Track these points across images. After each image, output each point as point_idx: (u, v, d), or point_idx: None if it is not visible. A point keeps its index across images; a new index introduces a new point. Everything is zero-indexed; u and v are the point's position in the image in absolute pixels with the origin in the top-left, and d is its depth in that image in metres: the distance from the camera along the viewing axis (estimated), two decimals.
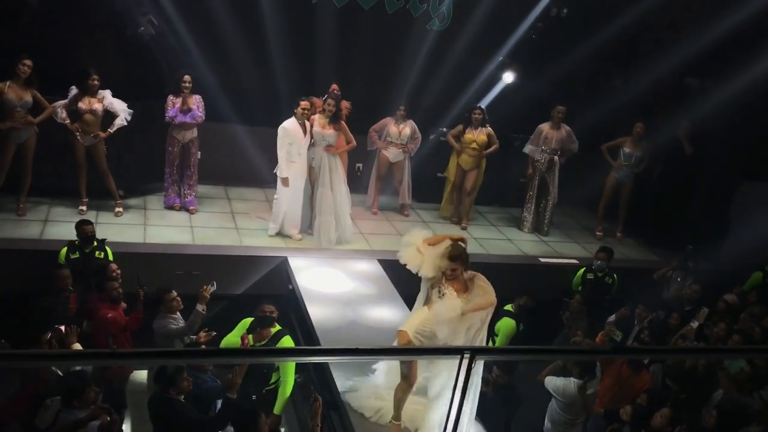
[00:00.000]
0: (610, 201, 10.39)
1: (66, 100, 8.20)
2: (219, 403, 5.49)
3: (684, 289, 8.37)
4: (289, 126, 8.33)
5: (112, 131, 8.36)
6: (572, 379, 6.50)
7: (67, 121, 8.20)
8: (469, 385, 2.94)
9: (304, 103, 8.33)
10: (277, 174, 8.48)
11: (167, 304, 6.41)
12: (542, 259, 9.42)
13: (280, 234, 8.79)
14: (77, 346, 5.75)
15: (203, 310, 6.42)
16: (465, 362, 2.86)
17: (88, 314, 6.69)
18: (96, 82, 8.21)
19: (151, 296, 6.61)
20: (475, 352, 2.87)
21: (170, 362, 5.19)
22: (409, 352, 4.89)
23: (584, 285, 8.37)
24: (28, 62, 7.77)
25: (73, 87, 8.23)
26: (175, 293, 6.40)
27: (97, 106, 8.28)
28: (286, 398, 6.16)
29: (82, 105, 8.21)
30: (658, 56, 10.10)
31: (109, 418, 4.68)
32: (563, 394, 6.52)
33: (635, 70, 10.45)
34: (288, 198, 8.60)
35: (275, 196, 8.72)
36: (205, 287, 6.46)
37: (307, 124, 8.45)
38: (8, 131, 7.87)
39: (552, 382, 6.59)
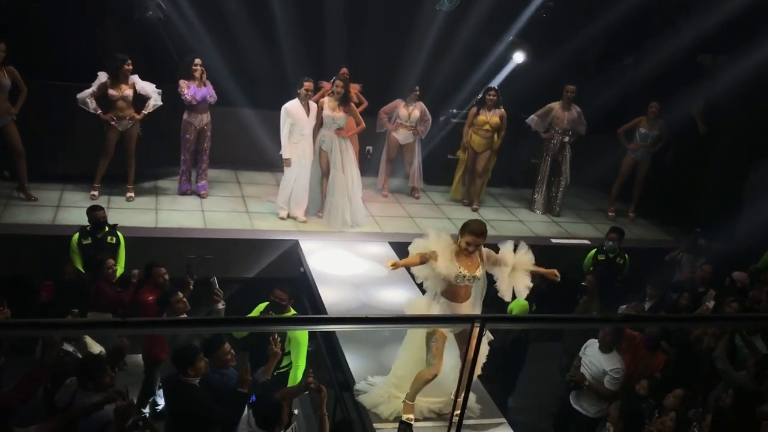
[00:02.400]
0: (626, 181, 10.31)
1: (92, 89, 8.12)
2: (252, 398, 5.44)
3: (696, 270, 8.32)
4: (291, 107, 8.33)
5: (147, 112, 8.35)
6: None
7: (99, 111, 8.17)
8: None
9: (307, 84, 8.31)
10: (281, 155, 8.50)
11: (173, 306, 6.18)
12: (554, 240, 9.38)
13: (290, 216, 8.79)
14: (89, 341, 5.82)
15: (223, 306, 6.46)
16: (476, 330, 2.85)
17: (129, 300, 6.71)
18: (130, 67, 8.17)
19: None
20: (485, 320, 2.85)
21: (181, 331, 5.34)
22: (420, 321, 4.86)
23: (595, 266, 8.34)
24: (2, 47, 7.66)
25: (101, 73, 8.17)
26: (180, 295, 6.23)
27: (129, 92, 8.25)
28: (297, 382, 6.16)
29: (114, 92, 8.18)
30: (670, 33, 9.99)
31: (124, 402, 4.71)
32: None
33: (647, 48, 10.33)
34: (293, 179, 8.61)
35: (282, 179, 8.73)
36: (216, 293, 6.48)
37: (311, 104, 8.44)
38: None
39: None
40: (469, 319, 2.88)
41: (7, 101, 7.90)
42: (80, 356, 5.55)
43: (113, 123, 8.23)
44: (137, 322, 4.18)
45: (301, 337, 6.14)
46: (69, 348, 5.65)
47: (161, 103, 8.38)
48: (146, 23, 8.91)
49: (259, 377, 5.57)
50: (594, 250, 8.51)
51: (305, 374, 5.14)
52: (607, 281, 8.09)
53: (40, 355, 5.31)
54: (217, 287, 6.58)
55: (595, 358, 6.50)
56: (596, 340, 6.52)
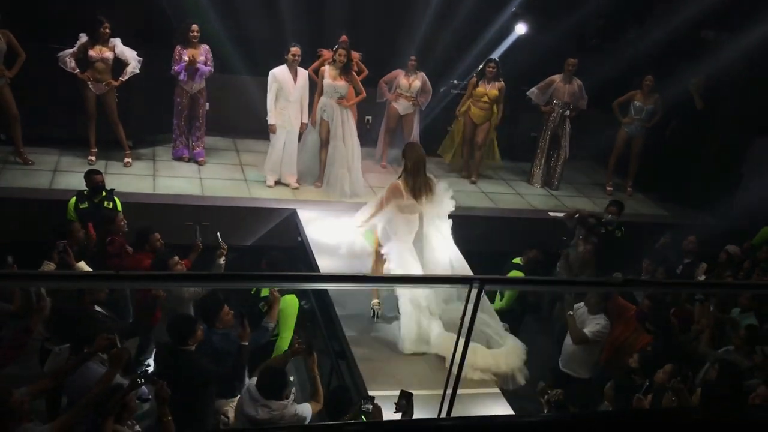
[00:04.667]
0: (621, 155, 10.31)
1: (74, 49, 8.14)
2: None
3: (683, 243, 8.34)
4: (278, 72, 8.30)
5: (124, 79, 8.32)
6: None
7: (77, 70, 8.15)
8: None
9: (294, 49, 8.28)
10: (267, 121, 8.48)
11: (172, 269, 6.20)
12: (551, 213, 9.38)
13: (279, 183, 8.78)
14: (83, 266, 5.80)
15: (223, 262, 6.50)
16: (474, 290, 2.87)
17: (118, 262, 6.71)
18: (108, 30, 8.13)
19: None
20: (483, 282, 2.86)
21: (172, 286, 5.52)
22: (419, 281, 4.97)
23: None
24: None
25: (82, 35, 8.15)
26: (177, 258, 6.29)
27: (108, 55, 8.21)
28: (282, 352, 6.17)
29: (93, 53, 8.15)
30: (673, 8, 9.87)
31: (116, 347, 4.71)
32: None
33: (650, 22, 10.24)
34: (281, 146, 8.59)
35: (269, 146, 8.71)
36: (222, 246, 6.53)
37: (299, 70, 8.40)
38: None
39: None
40: (467, 280, 2.88)
41: (1, 65, 7.84)
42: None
43: (89, 84, 8.19)
44: (130, 275, 4.19)
45: (289, 308, 6.16)
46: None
47: (138, 71, 8.32)
48: None
49: (267, 324, 5.72)
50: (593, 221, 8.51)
51: (292, 341, 5.22)
52: (606, 253, 8.09)
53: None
54: (222, 241, 6.60)
55: (582, 319, 6.60)
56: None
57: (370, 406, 4.73)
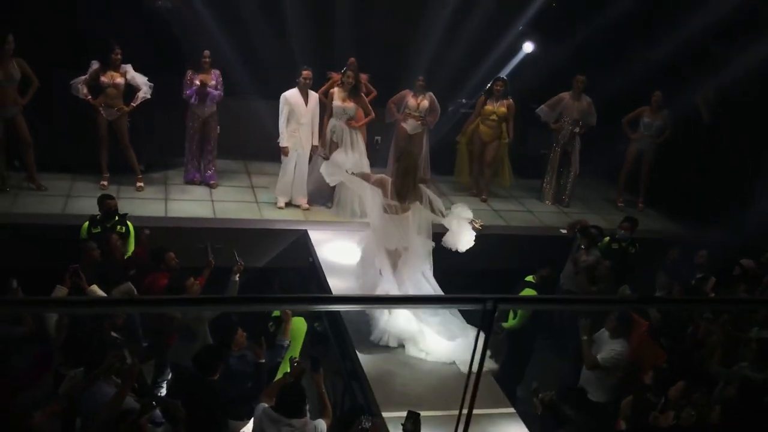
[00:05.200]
0: (632, 171, 10.29)
1: (85, 76, 8.24)
2: None
3: (695, 258, 8.30)
4: (290, 95, 8.40)
5: (135, 104, 8.41)
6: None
7: (89, 96, 8.24)
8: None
9: (305, 72, 8.37)
10: (279, 143, 8.56)
11: (189, 289, 6.38)
12: (563, 230, 9.35)
13: (290, 205, 8.82)
14: (95, 289, 5.84)
15: (238, 279, 6.58)
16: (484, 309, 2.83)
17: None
18: (119, 56, 8.24)
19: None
20: (497, 301, 2.83)
21: (192, 310, 5.47)
22: (429, 301, 4.99)
23: (609, 254, 8.30)
24: (10, 38, 7.72)
25: (94, 62, 8.26)
26: (192, 279, 6.41)
27: (120, 80, 8.31)
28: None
29: (105, 79, 8.25)
30: (681, 23, 9.88)
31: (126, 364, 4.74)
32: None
33: (658, 38, 10.25)
34: (292, 168, 8.66)
35: (281, 168, 8.79)
36: (239, 263, 6.64)
37: (310, 93, 8.47)
38: None
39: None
40: (481, 300, 2.86)
41: (15, 92, 7.96)
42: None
43: (101, 110, 8.26)
44: (145, 299, 4.20)
45: (296, 330, 6.20)
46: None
47: (149, 96, 8.41)
48: (156, 13, 8.92)
49: (281, 341, 5.73)
50: (607, 239, 8.48)
51: (292, 361, 5.28)
52: (620, 270, 8.05)
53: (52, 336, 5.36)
54: (238, 258, 6.70)
55: (600, 341, 6.53)
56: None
57: (370, 424, 4.72)
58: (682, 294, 7.50)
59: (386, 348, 6.37)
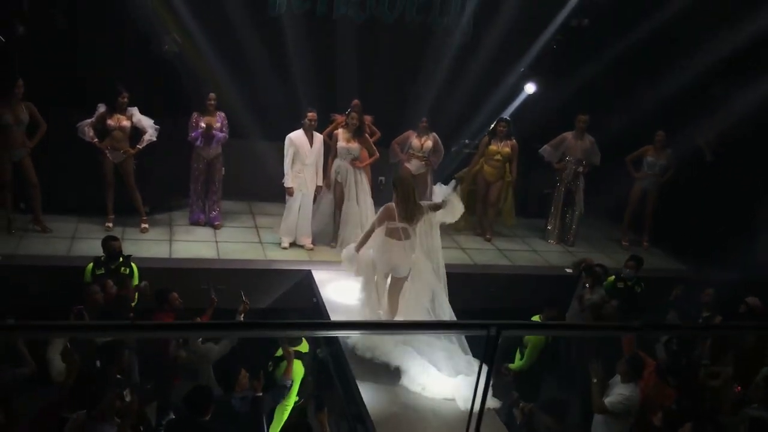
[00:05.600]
0: (636, 210, 10.31)
1: (92, 119, 8.34)
2: None
3: (701, 297, 8.24)
4: (295, 136, 8.50)
5: (141, 147, 8.49)
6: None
7: (95, 139, 8.33)
8: None
9: (310, 114, 8.47)
10: (284, 184, 8.63)
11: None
12: (568, 270, 9.31)
13: (294, 245, 8.82)
14: None
15: (243, 318, 6.58)
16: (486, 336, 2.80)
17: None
18: (125, 100, 8.34)
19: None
20: (501, 327, 2.81)
21: (194, 335, 5.55)
22: (433, 327, 5.00)
23: (614, 293, 8.25)
24: (20, 82, 7.87)
25: (100, 105, 8.36)
26: (198, 319, 6.50)
27: (126, 123, 8.40)
28: (283, 420, 6.13)
29: (111, 122, 8.34)
30: (682, 64, 10.00)
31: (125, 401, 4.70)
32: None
33: (659, 79, 10.36)
34: (296, 208, 8.71)
35: (285, 208, 8.83)
36: (244, 302, 6.66)
37: (315, 135, 8.57)
38: (3, 150, 7.97)
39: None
40: (484, 326, 2.83)
41: (24, 135, 8.05)
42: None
43: (107, 152, 8.34)
44: (145, 325, 4.18)
45: (295, 374, 6.16)
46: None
47: (155, 139, 8.50)
48: (163, 57, 9.06)
49: (284, 381, 5.81)
50: (613, 278, 8.44)
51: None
52: (625, 309, 7.99)
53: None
54: (245, 298, 6.72)
55: (612, 385, 6.44)
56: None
57: None
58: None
59: (391, 390, 6.29)
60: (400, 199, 6.52)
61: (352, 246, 6.88)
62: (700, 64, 9.62)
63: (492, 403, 6.00)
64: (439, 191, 6.71)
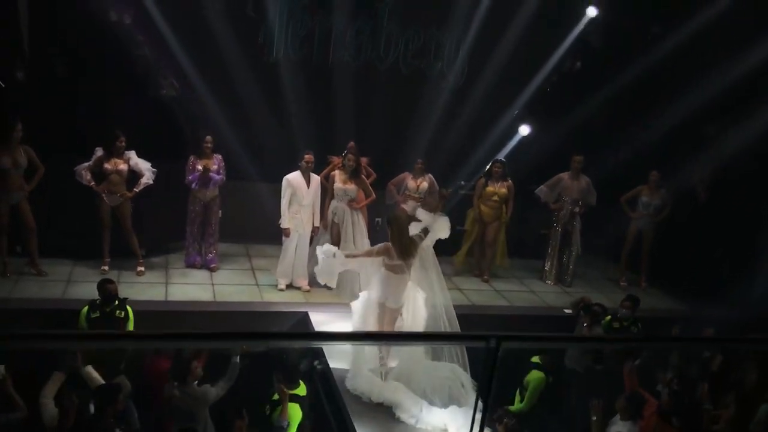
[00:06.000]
0: (633, 250, 10.31)
1: (89, 163, 8.37)
2: None
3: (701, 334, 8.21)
4: (292, 177, 8.55)
5: (138, 190, 8.50)
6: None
7: (92, 183, 8.35)
8: None
9: (307, 156, 8.55)
10: (280, 225, 8.64)
11: (193, 372, 6.37)
12: (566, 310, 9.26)
13: (290, 287, 8.79)
14: (90, 370, 5.88)
15: (238, 362, 6.49)
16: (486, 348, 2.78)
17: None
18: (123, 144, 8.39)
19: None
20: (500, 339, 2.78)
21: (185, 345, 5.65)
22: (433, 339, 5.03)
23: (611, 333, 8.19)
24: (18, 126, 7.92)
25: (98, 149, 8.40)
26: (196, 362, 6.42)
27: (123, 167, 8.43)
28: None
29: (108, 166, 8.37)
30: (673, 104, 10.14)
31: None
32: None
33: (651, 119, 10.49)
34: (293, 249, 8.71)
35: (282, 250, 8.82)
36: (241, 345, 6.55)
37: (312, 176, 8.61)
38: (0, 194, 7.98)
39: None
40: (483, 338, 2.81)
41: (21, 178, 8.07)
42: None
43: (104, 196, 8.36)
44: (141, 335, 4.13)
45: (292, 418, 6.08)
46: None
47: (152, 182, 8.53)
48: (160, 101, 9.15)
49: (280, 422, 5.81)
50: (609, 318, 8.39)
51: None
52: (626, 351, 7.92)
53: None
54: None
55: (614, 426, 6.36)
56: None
57: None
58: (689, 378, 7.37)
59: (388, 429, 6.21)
60: (395, 236, 6.71)
61: (333, 248, 7.07)
62: (692, 103, 9.75)
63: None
64: (424, 215, 6.87)
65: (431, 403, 6.42)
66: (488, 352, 2.79)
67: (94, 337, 3.83)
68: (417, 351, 6.75)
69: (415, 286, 6.86)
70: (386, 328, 6.78)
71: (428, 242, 6.83)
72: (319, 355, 7.48)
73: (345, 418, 6.42)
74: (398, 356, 6.90)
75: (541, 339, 5.42)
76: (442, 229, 6.82)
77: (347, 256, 7.08)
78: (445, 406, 6.41)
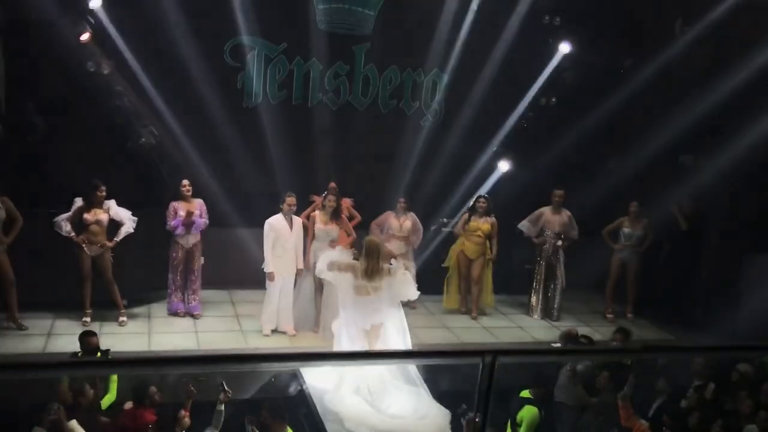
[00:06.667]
0: (617, 282, 10.32)
1: (69, 213, 8.30)
2: None
3: (692, 366, 8.17)
4: (275, 221, 8.50)
5: (118, 240, 8.42)
6: None
7: (72, 233, 8.26)
8: None
9: (289, 199, 8.53)
10: (264, 269, 8.55)
11: (180, 421, 6.28)
12: (555, 344, 9.20)
13: (275, 332, 8.69)
14: (74, 424, 5.73)
15: (223, 410, 6.38)
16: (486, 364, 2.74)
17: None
18: (103, 194, 8.32)
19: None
20: (497, 354, 2.74)
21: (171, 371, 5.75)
22: (428, 355, 5.07)
23: (603, 367, 8.12)
24: None
25: (77, 199, 8.34)
26: (183, 412, 6.33)
27: (103, 217, 8.37)
28: None
29: (88, 216, 8.29)
30: (649, 135, 10.28)
31: None
32: None
33: (628, 150, 10.62)
34: (277, 294, 8.61)
35: (266, 295, 8.73)
36: (225, 391, 6.49)
37: (294, 219, 8.58)
38: None
39: None
40: (479, 353, 2.77)
41: (0, 232, 7.95)
42: None
43: (84, 246, 8.26)
44: (123, 360, 4.04)
45: None
46: None
47: (132, 231, 8.47)
48: (140, 150, 9.13)
49: None
50: None
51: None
52: (617, 381, 7.85)
53: None
54: (226, 388, 6.51)
55: None
56: None
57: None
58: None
59: None
60: (364, 256, 7.11)
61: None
62: (668, 133, 9.90)
63: None
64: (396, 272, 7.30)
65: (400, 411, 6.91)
66: (483, 368, 2.76)
67: (76, 365, 3.76)
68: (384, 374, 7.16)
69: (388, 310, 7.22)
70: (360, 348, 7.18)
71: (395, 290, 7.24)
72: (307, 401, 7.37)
73: None
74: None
75: (537, 353, 5.45)
76: (408, 291, 7.31)
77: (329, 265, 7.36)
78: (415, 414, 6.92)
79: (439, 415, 6.97)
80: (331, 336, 8.47)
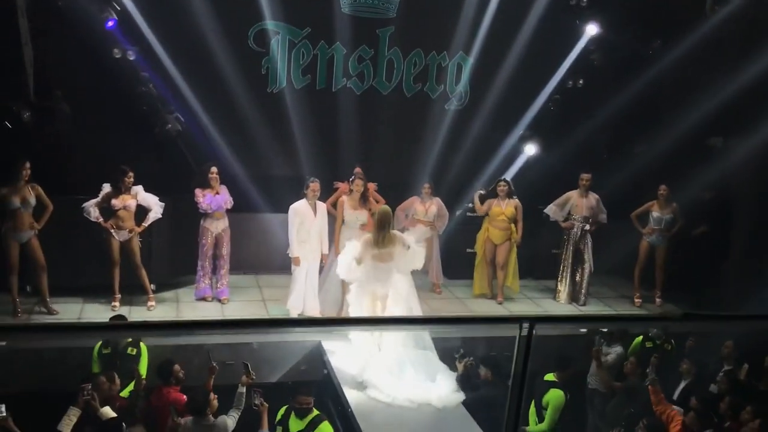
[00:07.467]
0: (645, 266, 10.18)
1: (97, 199, 8.37)
2: None
3: (721, 350, 8.05)
4: (299, 206, 8.49)
5: (146, 225, 8.49)
6: None
7: (101, 219, 8.34)
8: None
9: (313, 185, 8.50)
10: (289, 254, 8.56)
11: (211, 403, 6.33)
12: (582, 330, 9.13)
13: (302, 316, 8.72)
14: (107, 411, 5.82)
15: (244, 391, 6.46)
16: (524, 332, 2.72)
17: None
18: (131, 179, 8.39)
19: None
20: (534, 321, 2.72)
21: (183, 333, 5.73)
22: (465, 321, 5.23)
23: (644, 353, 7.99)
24: (27, 165, 7.95)
25: (105, 185, 8.41)
26: (213, 395, 6.39)
27: (131, 202, 8.43)
28: None
29: (116, 202, 8.37)
30: (678, 117, 10.11)
31: None
32: None
33: (657, 133, 10.45)
34: (303, 278, 8.63)
35: (292, 279, 8.76)
36: (250, 373, 6.58)
37: (318, 204, 8.57)
38: (8, 232, 8.00)
39: None
40: (516, 320, 2.75)
41: (31, 217, 8.07)
42: None
43: (112, 232, 8.34)
44: (146, 324, 4.10)
45: None
46: None
47: (160, 216, 8.52)
48: (166, 136, 9.19)
49: None
50: (640, 337, 8.23)
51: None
52: (660, 368, 7.70)
53: None
54: (251, 370, 6.62)
55: None
56: None
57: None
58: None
59: None
60: (375, 226, 7.47)
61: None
62: (698, 115, 9.72)
63: None
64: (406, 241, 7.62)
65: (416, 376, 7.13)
66: (519, 339, 2.74)
67: (109, 327, 3.93)
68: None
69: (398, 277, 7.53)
70: (378, 314, 7.50)
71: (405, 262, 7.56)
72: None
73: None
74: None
75: (576, 319, 5.40)
76: (415, 259, 7.61)
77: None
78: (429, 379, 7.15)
79: (448, 377, 7.27)
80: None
